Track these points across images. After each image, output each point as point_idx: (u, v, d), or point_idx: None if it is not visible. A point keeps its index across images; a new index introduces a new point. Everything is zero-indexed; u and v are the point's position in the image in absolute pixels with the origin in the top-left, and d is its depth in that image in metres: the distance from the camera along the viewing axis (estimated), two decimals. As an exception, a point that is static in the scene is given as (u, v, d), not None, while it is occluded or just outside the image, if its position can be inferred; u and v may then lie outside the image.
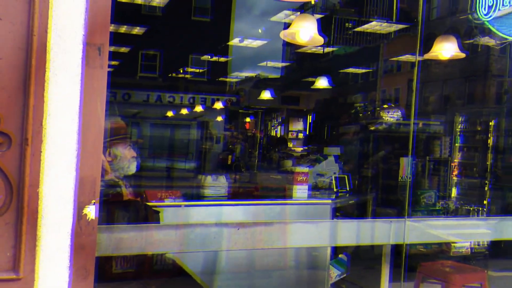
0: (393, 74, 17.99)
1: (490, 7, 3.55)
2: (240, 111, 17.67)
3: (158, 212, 2.87)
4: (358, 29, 14.65)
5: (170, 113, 15.21)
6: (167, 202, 4.14)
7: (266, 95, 12.18)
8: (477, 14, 3.53)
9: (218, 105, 14.86)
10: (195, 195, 4.59)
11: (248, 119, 19.39)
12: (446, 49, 4.15)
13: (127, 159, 2.68)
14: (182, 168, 12.85)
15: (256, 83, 17.97)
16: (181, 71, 17.62)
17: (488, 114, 8.59)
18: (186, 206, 4.21)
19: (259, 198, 4.86)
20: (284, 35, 3.76)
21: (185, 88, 16.36)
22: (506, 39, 3.86)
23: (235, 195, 5.02)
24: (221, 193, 4.65)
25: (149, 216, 2.72)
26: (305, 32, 3.44)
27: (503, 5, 3.58)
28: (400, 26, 13.75)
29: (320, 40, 3.76)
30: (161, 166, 11.85)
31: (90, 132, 1.63)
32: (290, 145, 14.51)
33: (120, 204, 2.57)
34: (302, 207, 4.81)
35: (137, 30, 14.75)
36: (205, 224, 2.83)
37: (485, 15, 3.54)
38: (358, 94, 16.89)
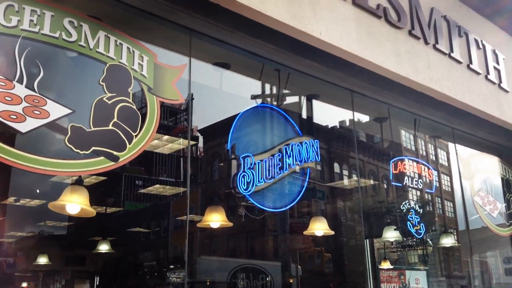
0: (184, 231, 18.45)
1: (248, 183, 4.07)
2: (16, 274, 15.48)
3: None
4: (143, 190, 14.96)
5: None
6: None
7: (43, 259, 11.05)
8: (238, 188, 3.99)
9: (-13, 270, 12.78)
10: None
11: (24, 284, 17.01)
12: (214, 220, 4.50)
13: None
14: None
15: (38, 242, 16.28)
16: None
17: (265, 267, 9.24)
18: None
19: None
20: (53, 206, 3.56)
21: None
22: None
23: None
24: None
25: None
26: (73, 206, 3.32)
27: (259, 181, 4.14)
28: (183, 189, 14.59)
29: (92, 211, 3.65)
30: None
31: None
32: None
33: None
34: None
35: None
36: None
37: (245, 190, 4.02)
38: (149, 251, 16.56)
